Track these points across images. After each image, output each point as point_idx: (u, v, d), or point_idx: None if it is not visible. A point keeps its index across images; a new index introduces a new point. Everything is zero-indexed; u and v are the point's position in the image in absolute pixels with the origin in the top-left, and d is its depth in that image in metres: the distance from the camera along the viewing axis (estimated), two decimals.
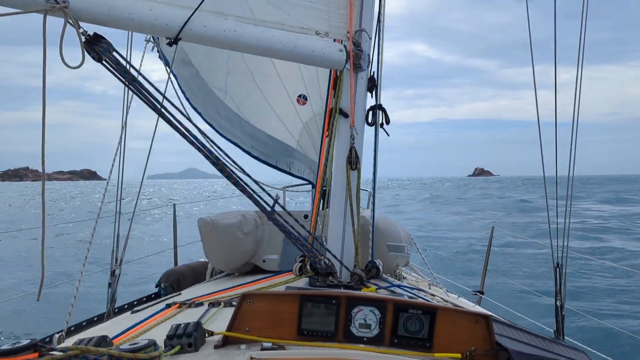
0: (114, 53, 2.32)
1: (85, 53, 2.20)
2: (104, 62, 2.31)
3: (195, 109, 5.47)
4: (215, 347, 1.98)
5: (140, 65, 4.60)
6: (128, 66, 2.40)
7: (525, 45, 3.74)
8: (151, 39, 5.11)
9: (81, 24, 2.21)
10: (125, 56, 2.39)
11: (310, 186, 5.79)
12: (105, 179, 4.63)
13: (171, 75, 5.03)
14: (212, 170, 2.67)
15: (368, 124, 3.29)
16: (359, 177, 3.17)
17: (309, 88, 5.40)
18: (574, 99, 3.83)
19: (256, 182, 2.82)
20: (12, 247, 17.39)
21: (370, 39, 3.16)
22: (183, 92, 5.39)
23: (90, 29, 2.26)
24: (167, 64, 5.15)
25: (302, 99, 5.49)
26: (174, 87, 5.11)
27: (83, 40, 2.21)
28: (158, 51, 5.20)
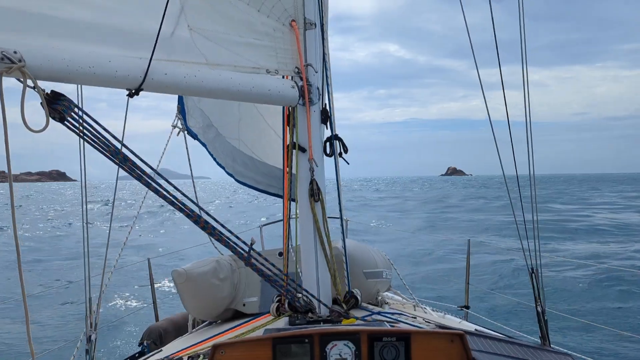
0: (76, 109, 2.26)
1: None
2: (66, 122, 2.24)
3: (219, 165, 5.71)
4: None
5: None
6: (93, 123, 2.35)
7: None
8: (178, 125, 5.42)
9: (39, 82, 2.13)
10: (83, 113, 2.33)
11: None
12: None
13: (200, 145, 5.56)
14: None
15: (326, 154, 3.32)
16: (323, 208, 3.18)
17: None
18: (524, 100, 3.93)
19: (229, 230, 2.82)
20: None
21: (317, 72, 3.21)
22: (211, 155, 5.67)
23: (48, 86, 2.18)
24: (195, 137, 5.53)
25: None
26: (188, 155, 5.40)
27: (45, 100, 2.13)
28: (186, 132, 5.50)
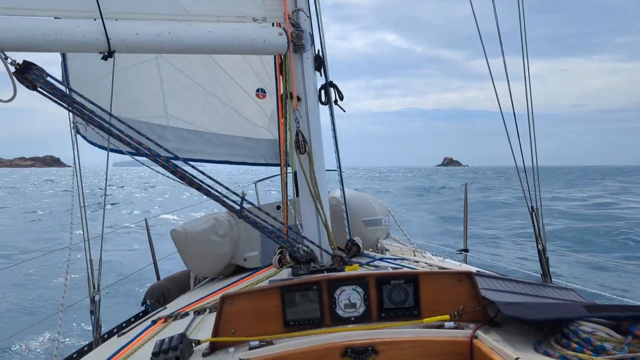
0: (48, 78, 2.23)
1: (18, 83, 2.12)
2: (39, 89, 2.23)
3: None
4: (204, 355, 1.94)
5: None
6: (67, 89, 2.31)
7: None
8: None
9: (9, 53, 2.13)
10: (64, 75, 2.31)
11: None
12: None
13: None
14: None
15: (322, 103, 3.25)
16: (310, 160, 3.12)
17: (263, 81, 5.35)
18: (525, 92, 3.89)
19: (219, 183, 2.77)
20: None
21: (309, 17, 3.10)
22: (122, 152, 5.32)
23: (19, 57, 2.17)
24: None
25: (261, 92, 5.44)
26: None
27: (13, 70, 2.12)
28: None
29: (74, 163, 3.90)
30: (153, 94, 5.09)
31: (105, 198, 4.27)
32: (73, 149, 3.95)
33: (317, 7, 3.26)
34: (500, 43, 3.74)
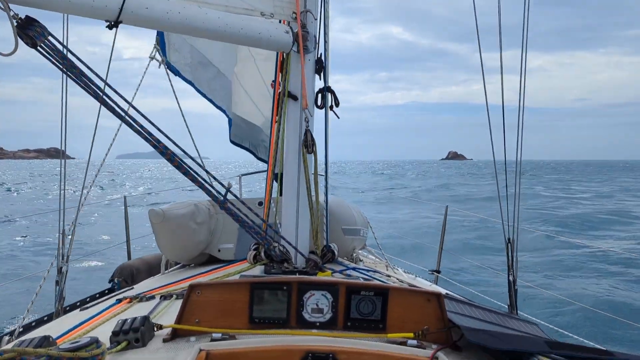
0: (50, 38, 2.20)
1: (19, 39, 2.08)
2: (39, 47, 2.20)
3: (218, 107, 5.58)
4: (164, 340, 1.92)
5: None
6: (65, 51, 2.28)
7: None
8: (156, 56, 5.14)
9: (12, 6, 2.08)
10: (62, 40, 2.27)
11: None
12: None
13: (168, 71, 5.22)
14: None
15: (317, 106, 3.27)
16: (315, 161, 3.15)
17: None
18: (520, 85, 3.93)
19: (207, 171, 2.75)
20: None
21: (316, 19, 3.12)
22: (203, 94, 5.48)
23: (22, 12, 2.13)
24: (177, 74, 5.26)
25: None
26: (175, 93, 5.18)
27: (15, 24, 2.08)
28: (166, 66, 5.22)
29: (61, 111, 3.84)
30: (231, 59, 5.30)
31: (88, 165, 4.22)
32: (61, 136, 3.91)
33: (326, 11, 3.28)
34: (500, 38, 3.77)
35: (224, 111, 5.61)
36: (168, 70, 5.29)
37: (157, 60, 5.21)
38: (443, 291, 3.51)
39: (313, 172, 3.14)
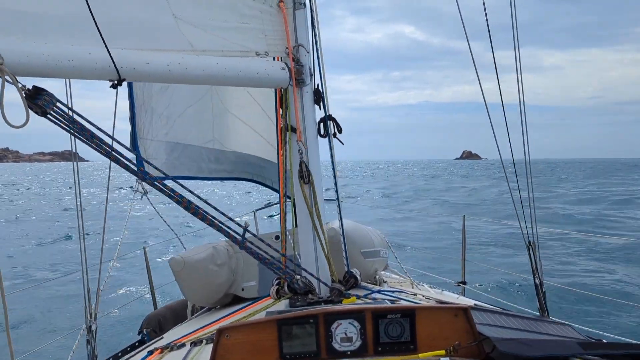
0: (58, 104, 2.27)
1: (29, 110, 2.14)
2: (49, 115, 2.26)
3: (184, 178, 5.43)
4: None
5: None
6: (73, 115, 2.34)
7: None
8: (139, 189, 5.27)
9: (20, 78, 2.14)
10: (68, 104, 2.33)
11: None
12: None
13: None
14: None
15: (321, 135, 3.32)
16: (314, 190, 3.18)
17: None
18: (517, 83, 3.95)
19: (223, 213, 2.79)
20: None
21: (309, 52, 3.19)
22: (177, 181, 5.47)
23: (29, 82, 2.20)
24: (162, 188, 5.27)
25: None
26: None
27: (24, 96, 2.15)
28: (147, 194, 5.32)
29: (74, 172, 3.91)
30: (205, 122, 5.37)
31: (105, 226, 4.28)
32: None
33: (318, 43, 3.36)
34: (487, 35, 3.79)
35: (190, 178, 5.51)
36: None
37: (140, 192, 5.30)
38: (471, 302, 3.49)
39: (313, 202, 3.16)
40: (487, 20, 3.72)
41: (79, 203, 3.97)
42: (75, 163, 3.87)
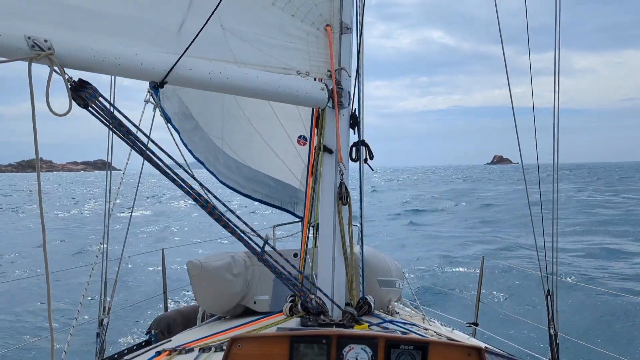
0: (100, 98, 2.33)
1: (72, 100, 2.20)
2: (90, 108, 2.32)
3: (197, 159, 5.61)
4: None
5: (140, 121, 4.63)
6: (113, 110, 2.40)
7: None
8: (151, 100, 5.16)
9: (66, 70, 2.21)
10: (110, 100, 2.39)
11: (300, 223, 5.83)
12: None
13: (172, 129, 5.25)
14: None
15: (352, 160, 3.33)
16: (350, 212, 3.20)
17: (307, 128, 5.50)
18: (554, 86, 3.91)
19: (245, 223, 2.81)
20: None
21: (350, 76, 3.22)
22: (185, 144, 5.55)
23: (75, 74, 2.26)
24: (168, 120, 5.34)
25: (302, 139, 5.61)
26: (174, 139, 5.29)
27: (69, 87, 2.21)
28: (160, 110, 5.25)
29: (107, 172, 4.00)
30: (217, 115, 5.43)
31: (130, 221, 4.35)
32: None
33: (360, 68, 3.39)
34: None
35: (202, 163, 5.69)
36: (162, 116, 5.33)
37: (152, 104, 5.14)
38: (482, 345, 3.44)
39: (348, 223, 3.17)
40: (527, 24, 3.70)
41: (107, 198, 4.05)
42: (109, 166, 3.98)
